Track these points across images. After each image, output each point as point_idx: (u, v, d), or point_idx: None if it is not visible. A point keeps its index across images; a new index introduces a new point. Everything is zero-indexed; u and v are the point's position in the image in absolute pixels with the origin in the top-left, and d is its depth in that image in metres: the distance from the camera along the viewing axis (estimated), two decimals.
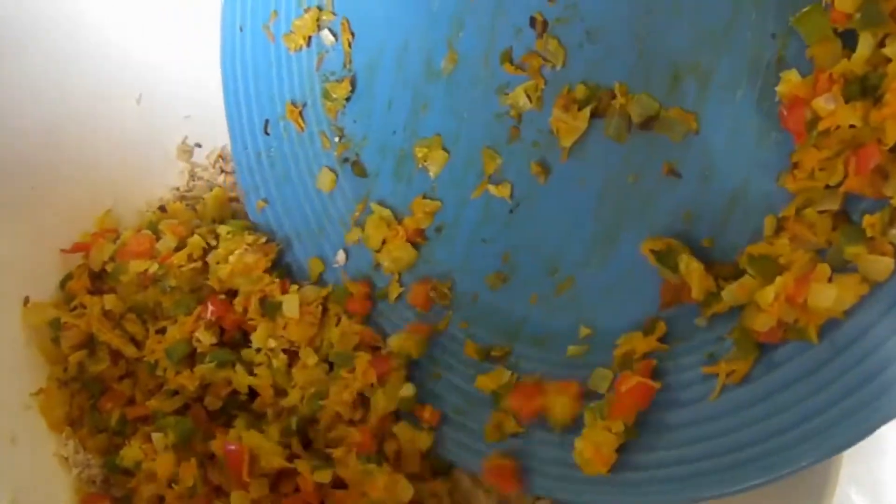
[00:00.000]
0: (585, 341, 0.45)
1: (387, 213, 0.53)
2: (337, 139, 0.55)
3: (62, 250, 0.58)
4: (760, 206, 0.39)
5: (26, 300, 0.56)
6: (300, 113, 0.56)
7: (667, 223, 0.43)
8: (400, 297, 0.52)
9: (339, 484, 0.49)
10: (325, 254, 0.56)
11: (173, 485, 0.50)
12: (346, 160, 0.55)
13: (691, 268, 0.40)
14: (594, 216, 0.45)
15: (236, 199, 0.62)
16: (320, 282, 0.56)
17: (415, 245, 0.52)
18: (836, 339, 0.36)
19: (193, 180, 0.64)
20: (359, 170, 0.55)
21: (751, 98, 0.39)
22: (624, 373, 0.42)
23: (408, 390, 0.49)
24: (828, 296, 0.35)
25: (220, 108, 0.63)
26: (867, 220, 0.35)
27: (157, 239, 0.57)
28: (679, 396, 0.41)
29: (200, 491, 0.50)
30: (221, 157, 0.65)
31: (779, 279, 0.36)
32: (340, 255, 0.55)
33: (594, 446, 0.41)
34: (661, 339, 0.42)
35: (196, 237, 0.56)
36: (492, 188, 0.49)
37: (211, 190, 0.63)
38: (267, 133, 0.58)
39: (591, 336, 0.45)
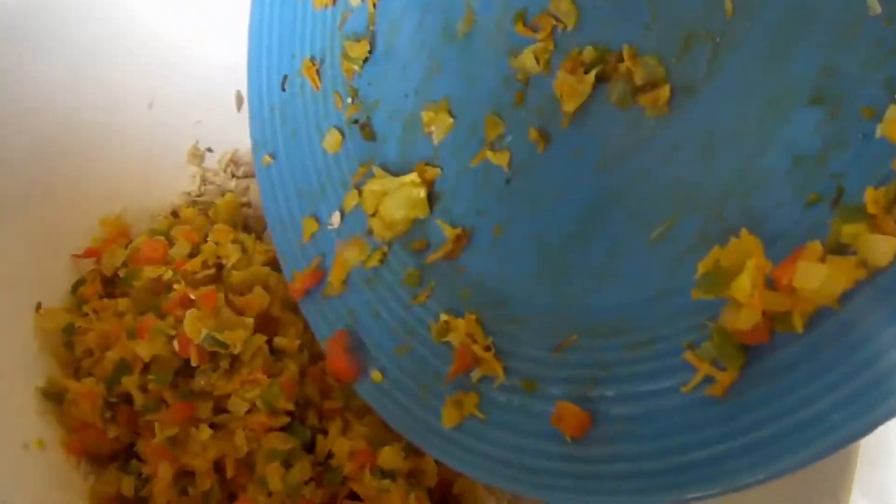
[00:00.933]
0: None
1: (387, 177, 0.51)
2: (350, 100, 0.54)
3: (74, 255, 0.58)
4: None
5: (38, 306, 0.55)
6: (317, 70, 0.55)
7: (661, 203, 0.40)
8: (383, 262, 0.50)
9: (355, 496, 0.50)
10: (321, 215, 0.54)
11: (189, 489, 0.50)
12: (355, 122, 0.54)
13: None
14: (588, 190, 0.43)
15: (248, 205, 0.62)
16: (312, 242, 0.54)
17: None
18: (827, 329, 0.31)
19: (205, 185, 0.64)
20: (367, 133, 0.53)
21: (762, 70, 0.36)
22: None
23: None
24: (816, 275, 0.30)
25: (231, 114, 0.64)
26: (870, 194, 0.31)
27: (171, 245, 0.57)
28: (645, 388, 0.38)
29: (217, 496, 0.50)
30: (233, 161, 0.65)
31: (749, 262, 0.33)
32: (336, 217, 0.53)
33: None
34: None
35: (210, 244, 0.56)
36: (490, 155, 0.47)
37: (223, 195, 0.63)
38: (283, 89, 0.57)
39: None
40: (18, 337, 0.54)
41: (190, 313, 0.51)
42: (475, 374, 0.44)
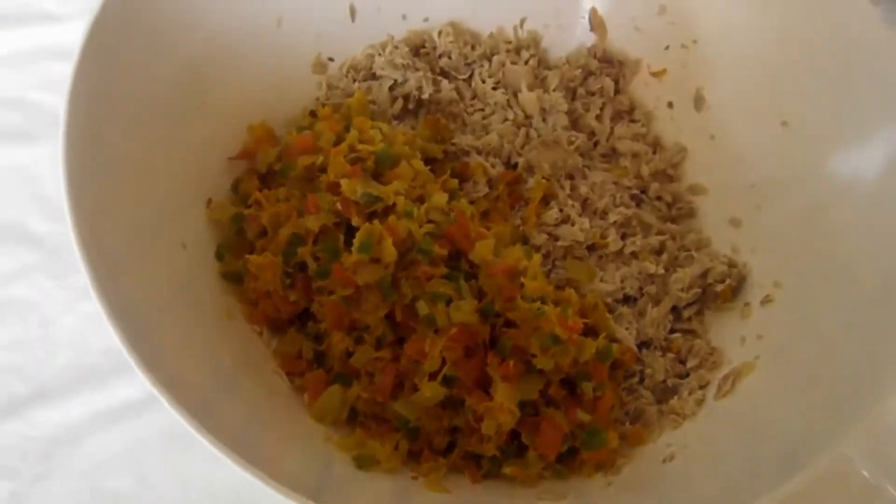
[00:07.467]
0: None
1: None
2: None
3: (230, 158, 0.66)
4: None
5: (209, 201, 0.64)
6: None
7: None
8: None
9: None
10: None
11: (365, 336, 0.58)
12: None
13: None
14: None
15: (373, 102, 0.70)
16: None
17: None
18: None
19: (330, 90, 0.71)
20: None
21: None
22: None
23: None
24: None
25: (346, 24, 0.71)
26: None
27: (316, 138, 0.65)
28: None
29: (389, 338, 0.58)
30: (352, 67, 0.72)
31: None
32: None
33: None
34: None
35: (354, 131, 0.64)
36: None
37: (348, 96, 0.70)
38: None
39: None
40: (196, 230, 0.63)
41: (344, 180, 0.59)
42: None
